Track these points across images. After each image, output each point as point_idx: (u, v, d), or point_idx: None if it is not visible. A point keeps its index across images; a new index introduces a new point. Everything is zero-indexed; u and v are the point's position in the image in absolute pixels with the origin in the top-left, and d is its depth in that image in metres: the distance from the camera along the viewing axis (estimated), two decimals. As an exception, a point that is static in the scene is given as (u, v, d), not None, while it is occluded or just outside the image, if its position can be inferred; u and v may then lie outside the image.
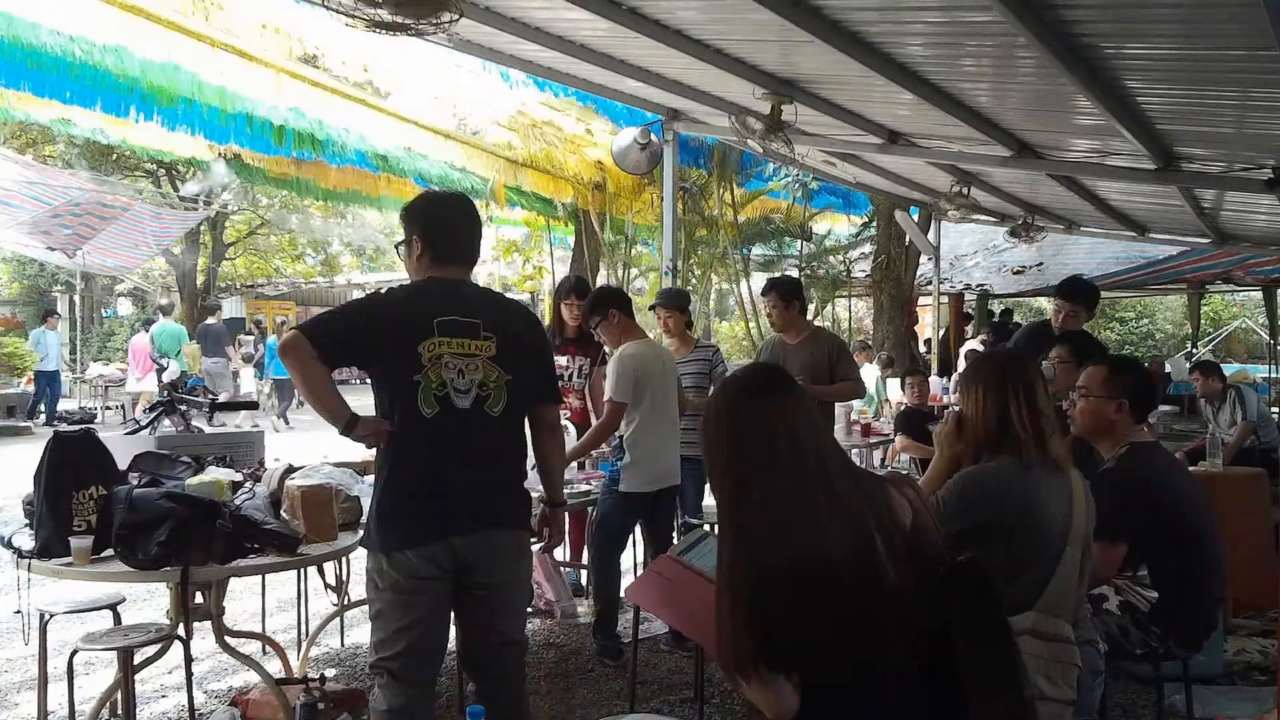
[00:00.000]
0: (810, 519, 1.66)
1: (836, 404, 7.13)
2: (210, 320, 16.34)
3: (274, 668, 4.08)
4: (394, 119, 7.52)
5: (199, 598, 3.49)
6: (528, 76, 6.53)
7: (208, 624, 3.53)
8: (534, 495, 4.49)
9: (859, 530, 1.67)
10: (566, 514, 4.81)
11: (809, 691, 1.65)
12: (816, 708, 1.66)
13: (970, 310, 15.77)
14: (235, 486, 3.57)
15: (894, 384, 9.80)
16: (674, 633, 4.57)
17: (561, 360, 5.42)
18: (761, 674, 1.63)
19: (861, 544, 1.66)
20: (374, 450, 2.81)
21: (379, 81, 6.76)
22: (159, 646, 3.57)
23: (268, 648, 4.25)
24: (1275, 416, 9.62)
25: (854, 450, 7.43)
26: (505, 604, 2.82)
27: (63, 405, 16.35)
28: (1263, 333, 19.79)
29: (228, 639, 3.59)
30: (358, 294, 31.37)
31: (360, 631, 5.04)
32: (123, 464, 3.52)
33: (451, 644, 2.86)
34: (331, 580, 4.39)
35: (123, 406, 15.72)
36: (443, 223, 2.85)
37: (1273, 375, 14.74)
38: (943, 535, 1.85)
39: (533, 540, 5.24)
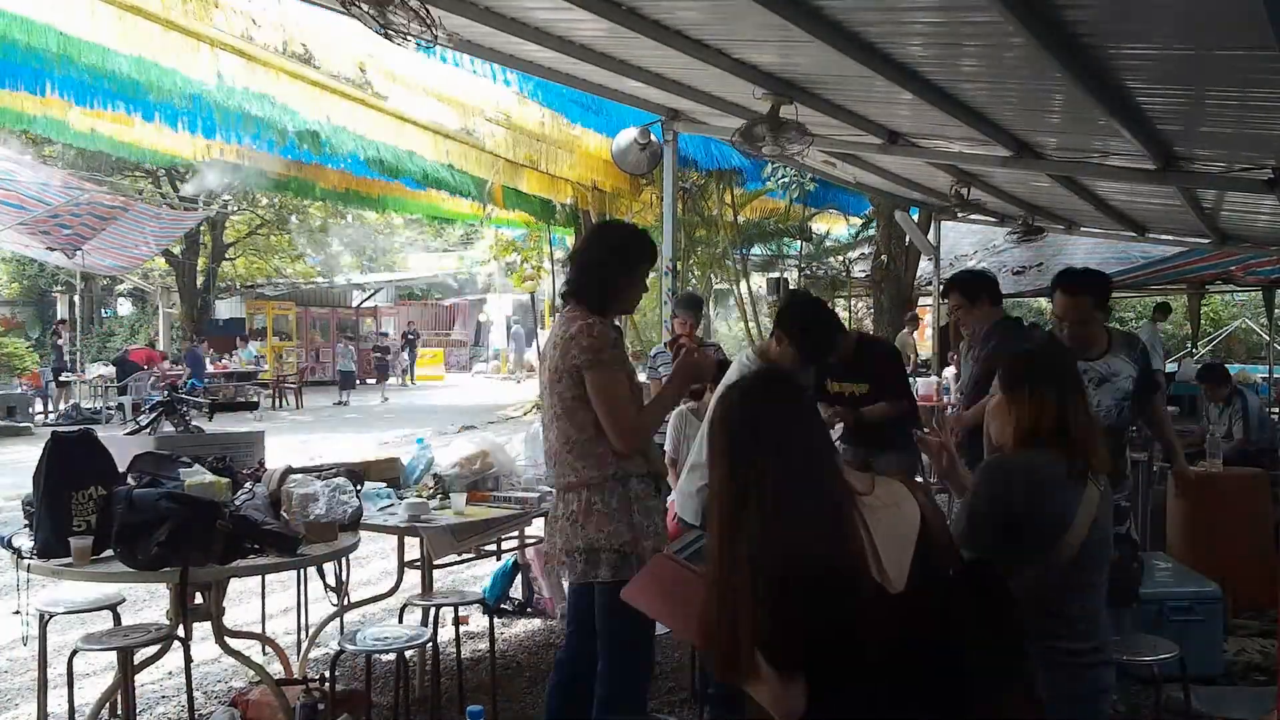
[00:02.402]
0: (815, 522, 1.66)
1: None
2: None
3: (274, 669, 4.08)
4: (393, 118, 7.52)
5: (199, 598, 3.49)
6: (513, 81, 6.56)
7: (208, 625, 3.54)
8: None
9: (860, 533, 1.67)
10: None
11: (815, 691, 1.66)
12: (823, 707, 1.66)
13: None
14: (235, 485, 3.57)
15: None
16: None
17: None
18: (767, 675, 1.63)
19: (864, 546, 1.66)
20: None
21: (376, 82, 6.76)
22: (159, 647, 3.57)
23: (268, 648, 4.25)
24: (1276, 417, 9.62)
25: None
26: None
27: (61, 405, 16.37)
28: (1263, 333, 19.79)
29: (228, 639, 3.59)
30: (358, 294, 31.42)
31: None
32: (122, 464, 3.52)
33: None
34: (331, 581, 4.39)
35: (121, 407, 15.71)
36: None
37: (1273, 375, 14.72)
38: (951, 536, 1.85)
39: (533, 538, 5.29)
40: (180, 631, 3.45)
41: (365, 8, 3.34)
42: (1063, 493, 2.35)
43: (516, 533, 5.02)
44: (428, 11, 3.42)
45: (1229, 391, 7.50)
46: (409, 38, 3.51)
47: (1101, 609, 2.46)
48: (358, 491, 3.88)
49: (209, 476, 3.53)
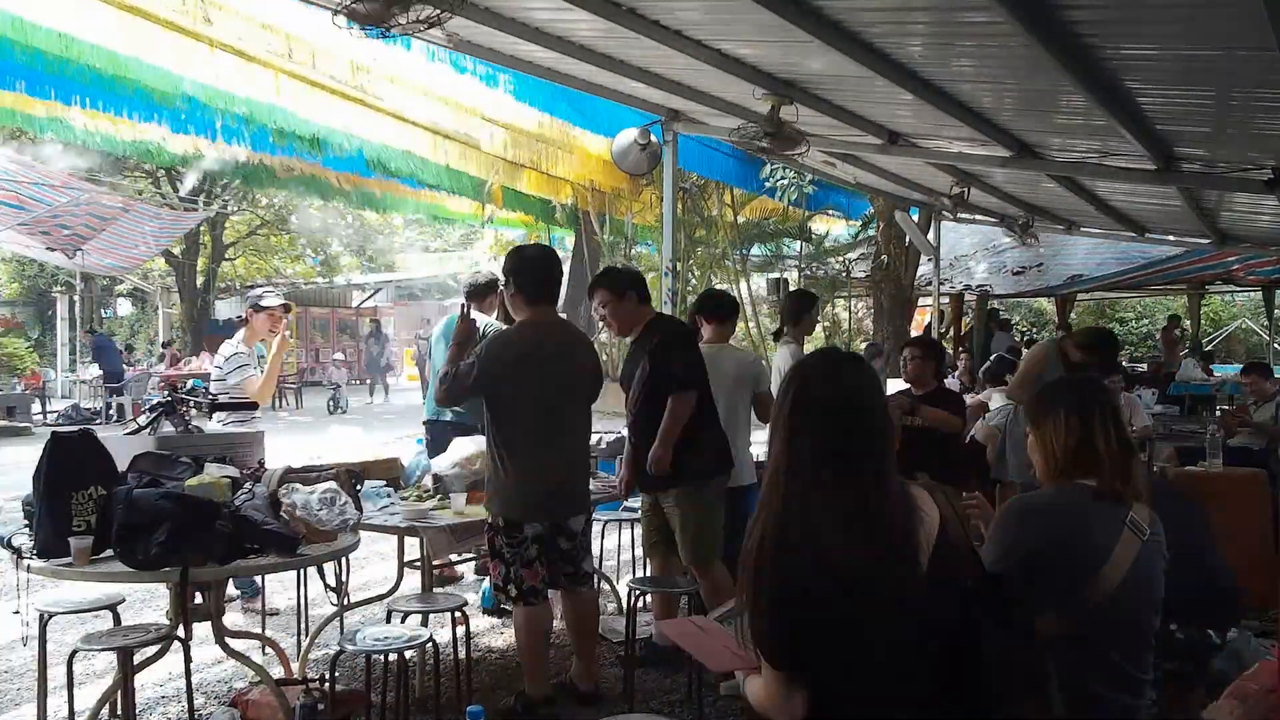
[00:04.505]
0: (845, 520, 1.65)
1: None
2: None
3: (274, 669, 4.08)
4: (392, 119, 7.50)
5: (199, 598, 3.49)
6: (509, 90, 6.54)
7: (208, 625, 3.53)
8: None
9: (888, 535, 1.67)
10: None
11: (822, 693, 1.65)
12: (827, 709, 1.66)
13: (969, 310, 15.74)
14: (235, 485, 3.57)
15: (892, 384, 9.76)
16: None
17: None
18: (768, 674, 1.63)
19: (889, 548, 1.66)
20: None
21: (371, 83, 6.73)
22: (159, 647, 3.57)
23: (268, 648, 4.25)
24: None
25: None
26: None
27: (59, 405, 16.35)
28: (1263, 333, 19.80)
29: (228, 640, 3.58)
30: (357, 295, 31.32)
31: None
32: (122, 464, 3.52)
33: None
34: (331, 581, 4.38)
35: (120, 406, 15.70)
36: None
37: (1273, 375, 14.71)
38: (969, 544, 1.84)
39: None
40: (180, 632, 3.45)
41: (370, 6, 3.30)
42: (1091, 529, 2.24)
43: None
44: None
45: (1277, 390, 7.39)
46: (415, 35, 3.50)
47: (1148, 663, 2.29)
48: (358, 493, 3.88)
49: (211, 476, 3.52)
